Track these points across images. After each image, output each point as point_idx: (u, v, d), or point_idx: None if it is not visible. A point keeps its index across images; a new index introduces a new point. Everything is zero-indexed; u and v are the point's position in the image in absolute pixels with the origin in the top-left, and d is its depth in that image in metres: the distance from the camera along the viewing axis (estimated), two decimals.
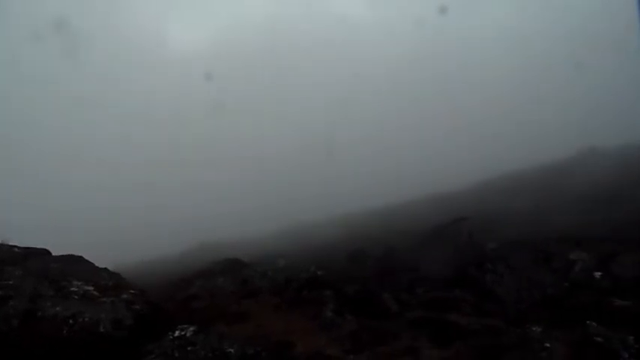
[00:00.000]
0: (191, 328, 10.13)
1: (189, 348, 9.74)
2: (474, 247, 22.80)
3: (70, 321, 10.03)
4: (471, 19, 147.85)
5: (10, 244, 13.29)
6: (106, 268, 13.27)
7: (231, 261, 24.72)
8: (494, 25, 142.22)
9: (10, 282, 10.85)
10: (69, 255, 13.54)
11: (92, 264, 13.32)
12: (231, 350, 9.85)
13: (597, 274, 17.82)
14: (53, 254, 13.62)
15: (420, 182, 52.19)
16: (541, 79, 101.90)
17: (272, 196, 61.49)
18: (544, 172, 45.38)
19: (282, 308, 14.73)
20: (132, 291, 11.86)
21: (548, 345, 11.00)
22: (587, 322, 10.65)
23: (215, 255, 27.11)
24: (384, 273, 24.42)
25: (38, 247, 13.65)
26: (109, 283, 12.05)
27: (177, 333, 10.02)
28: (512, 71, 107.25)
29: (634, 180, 35.16)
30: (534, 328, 11.81)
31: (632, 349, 9.79)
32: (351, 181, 60.87)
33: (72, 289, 11.14)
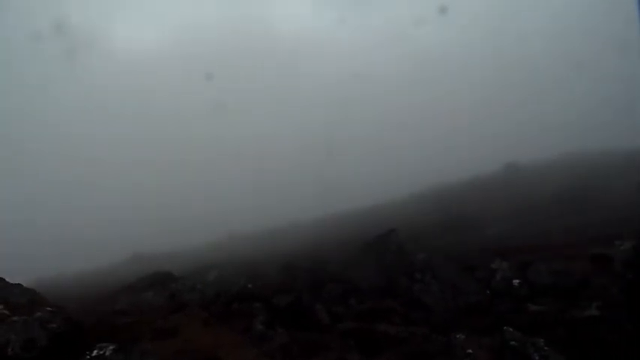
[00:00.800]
0: (111, 347, 9.66)
1: None
2: (404, 258, 23.39)
3: None
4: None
5: None
6: (19, 284, 12.38)
7: (161, 274, 23.93)
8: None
9: None
10: None
11: (3, 280, 12.39)
12: None
13: (516, 281, 18.83)
14: None
15: (354, 194, 53.09)
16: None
17: (207, 207, 60.16)
18: (469, 185, 47.70)
19: (211, 322, 14.35)
20: (48, 308, 11.15)
21: (470, 351, 11.54)
22: (505, 327, 11.23)
23: (147, 267, 26.15)
24: (317, 285, 24.48)
25: None
26: (21, 300, 11.26)
27: (95, 352, 9.51)
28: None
29: (549, 194, 37.84)
30: (458, 336, 12.32)
31: (542, 351, 10.46)
32: (282, 194, 60.67)
33: None
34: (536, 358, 10.04)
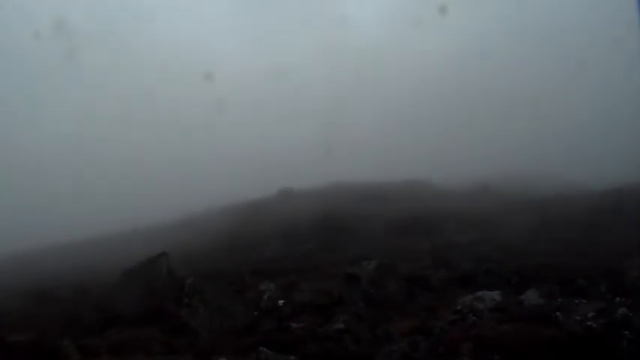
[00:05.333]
0: None
1: None
2: (173, 283, 22.59)
3: None
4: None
5: None
6: None
7: None
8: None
9: None
10: None
11: None
12: None
13: (281, 301, 19.72)
14: None
15: (125, 215, 49.93)
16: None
17: None
18: (247, 208, 49.25)
19: None
20: None
21: None
22: (260, 348, 11.57)
23: None
24: (72, 316, 21.94)
25: None
26: None
27: None
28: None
29: (320, 217, 41.35)
30: (220, 359, 12.25)
31: None
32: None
33: None
34: None
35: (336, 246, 32.10)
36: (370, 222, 38.69)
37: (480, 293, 16.18)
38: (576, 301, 13.42)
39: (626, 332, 10.22)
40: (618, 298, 11.64)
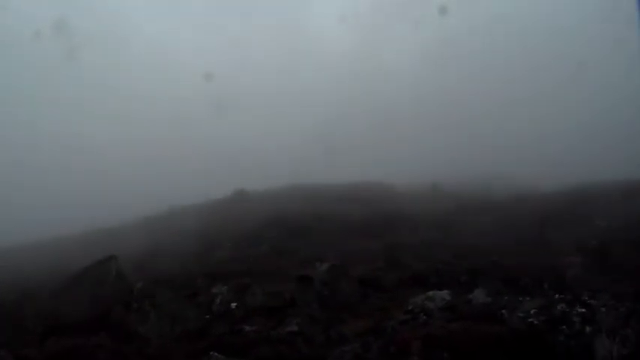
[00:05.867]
0: None
1: None
2: (122, 287, 21.92)
3: None
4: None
5: None
6: None
7: None
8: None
9: None
10: None
11: None
12: None
13: (233, 304, 19.50)
14: None
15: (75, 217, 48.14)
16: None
17: None
18: (201, 209, 48.41)
19: None
20: None
21: None
22: (211, 352, 11.39)
23: None
24: (14, 324, 20.86)
25: None
26: None
27: None
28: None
29: (274, 218, 41.18)
30: None
31: None
32: None
33: None
34: None
35: (290, 248, 32.03)
36: (325, 223, 38.86)
37: (430, 293, 16.54)
38: (520, 298, 13.92)
39: (564, 327, 10.71)
40: (558, 295, 12.15)
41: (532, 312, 11.73)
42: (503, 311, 12.80)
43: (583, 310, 11.01)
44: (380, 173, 60.81)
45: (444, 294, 16.44)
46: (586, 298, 11.38)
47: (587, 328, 10.62)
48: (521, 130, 74.14)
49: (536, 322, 11.26)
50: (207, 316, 19.76)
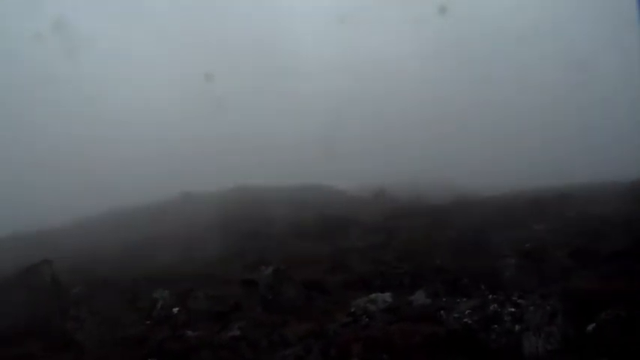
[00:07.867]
0: None
1: None
2: (58, 292, 21.02)
3: None
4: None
5: None
6: None
7: None
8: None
9: None
10: None
11: None
12: None
13: (175, 309, 19.10)
14: None
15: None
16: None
17: None
18: (145, 212, 47.08)
19: None
20: None
21: None
22: (150, 359, 11.14)
23: None
24: None
25: None
26: None
27: None
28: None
29: (221, 221, 40.70)
30: None
31: None
32: None
33: None
34: None
35: (236, 251, 31.73)
36: (273, 226, 38.77)
37: (373, 295, 16.87)
38: (458, 300, 14.46)
39: (496, 326, 11.25)
40: (491, 296, 12.70)
41: (467, 312, 12.20)
42: (442, 312, 13.23)
43: (513, 309, 11.56)
44: (333, 177, 61.11)
45: (386, 296, 16.82)
46: (516, 298, 11.95)
47: (517, 327, 11.20)
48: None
49: (470, 321, 11.74)
50: (148, 322, 19.28)
